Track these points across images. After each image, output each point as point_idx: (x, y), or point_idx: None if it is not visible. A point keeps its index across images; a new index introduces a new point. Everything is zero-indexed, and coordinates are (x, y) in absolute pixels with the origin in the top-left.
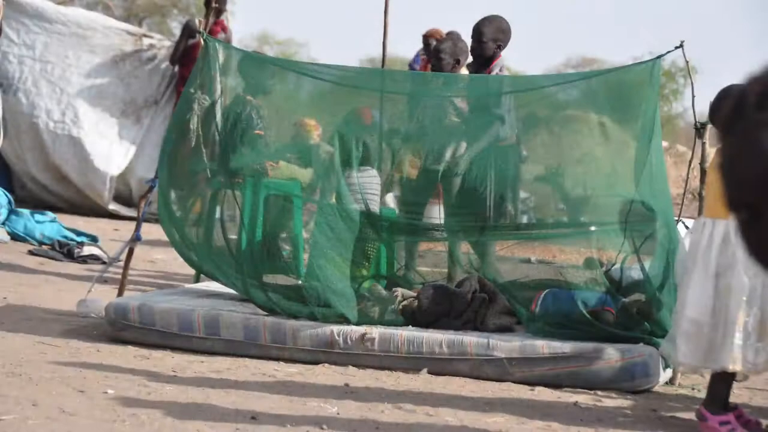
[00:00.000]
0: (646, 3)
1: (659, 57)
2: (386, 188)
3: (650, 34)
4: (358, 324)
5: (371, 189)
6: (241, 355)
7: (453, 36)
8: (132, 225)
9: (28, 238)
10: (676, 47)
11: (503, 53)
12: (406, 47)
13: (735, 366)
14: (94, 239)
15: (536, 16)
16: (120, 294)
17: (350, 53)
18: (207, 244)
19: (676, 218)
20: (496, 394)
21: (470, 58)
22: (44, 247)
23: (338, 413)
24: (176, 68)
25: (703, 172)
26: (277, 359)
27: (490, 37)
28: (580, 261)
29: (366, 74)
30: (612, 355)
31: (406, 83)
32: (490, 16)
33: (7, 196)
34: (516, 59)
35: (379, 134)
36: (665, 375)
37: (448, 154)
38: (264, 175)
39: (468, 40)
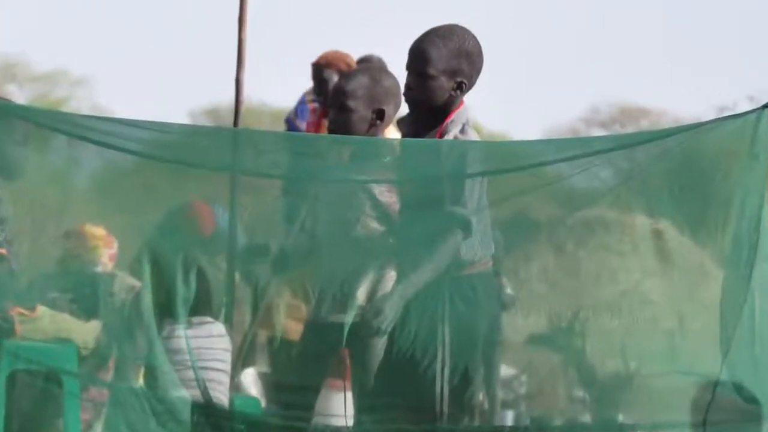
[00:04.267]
0: (734, 24)
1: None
2: (243, 359)
3: (741, 72)
4: None
5: (214, 360)
6: None
7: (371, 66)
8: None
9: None
10: None
11: (468, 98)
12: (280, 88)
13: None
14: None
15: (532, 31)
16: None
17: (175, 99)
18: None
19: None
20: None
21: (405, 108)
22: None
23: None
24: None
25: None
26: None
27: (442, 67)
28: None
29: (204, 138)
30: None
31: (282, 155)
32: (441, 27)
33: None
34: (495, 110)
35: (228, 255)
36: None
37: (360, 294)
38: (8, 332)
39: (400, 74)
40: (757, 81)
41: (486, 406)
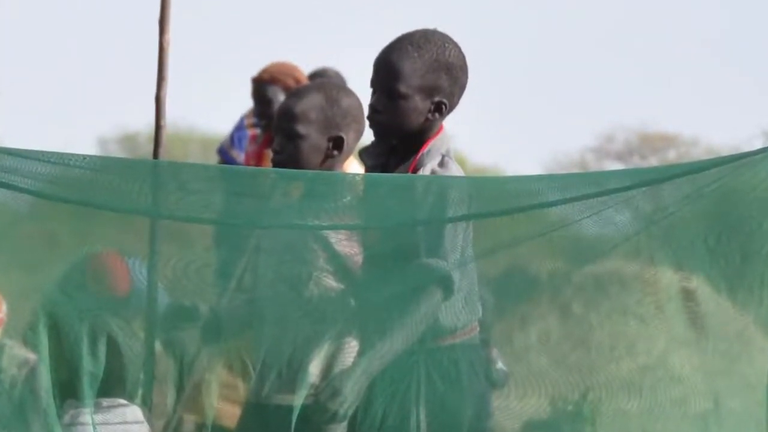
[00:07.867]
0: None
1: None
2: None
3: None
4: None
5: None
6: None
7: (326, 82)
8: None
9: None
10: None
11: (449, 123)
12: (212, 110)
13: None
14: None
15: (530, 40)
16: None
17: (80, 122)
18: None
19: None
20: None
21: (369, 134)
22: None
23: None
24: None
25: None
26: None
27: (416, 83)
28: None
29: (116, 172)
30: None
31: (214, 195)
32: (414, 34)
33: None
34: (483, 138)
35: (147, 319)
36: None
37: (313, 370)
38: None
39: (363, 92)
40: None
41: None
